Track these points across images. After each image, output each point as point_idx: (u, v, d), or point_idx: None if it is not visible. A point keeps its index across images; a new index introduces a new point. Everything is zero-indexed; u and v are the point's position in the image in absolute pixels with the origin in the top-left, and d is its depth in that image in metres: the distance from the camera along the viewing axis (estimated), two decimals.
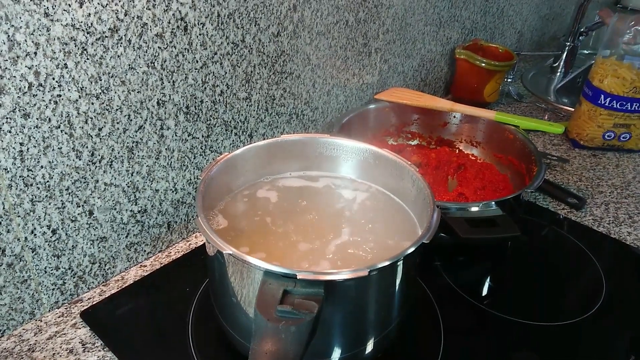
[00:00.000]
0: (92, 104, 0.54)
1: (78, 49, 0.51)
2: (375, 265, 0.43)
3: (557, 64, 1.38)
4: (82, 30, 0.51)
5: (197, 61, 0.62)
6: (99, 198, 0.59)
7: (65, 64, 0.50)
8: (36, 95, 0.49)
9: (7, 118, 0.48)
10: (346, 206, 0.59)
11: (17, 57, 0.47)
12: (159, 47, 0.58)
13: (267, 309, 0.39)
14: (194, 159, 0.68)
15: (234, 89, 0.69)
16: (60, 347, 0.56)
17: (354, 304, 0.46)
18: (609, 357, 0.59)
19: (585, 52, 1.50)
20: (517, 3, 1.34)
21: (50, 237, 0.56)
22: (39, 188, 0.53)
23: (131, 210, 0.64)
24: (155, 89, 0.60)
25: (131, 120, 0.59)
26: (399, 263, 0.45)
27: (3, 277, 0.54)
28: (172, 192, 0.68)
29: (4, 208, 0.51)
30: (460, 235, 0.61)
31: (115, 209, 0.62)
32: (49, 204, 0.55)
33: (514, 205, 0.69)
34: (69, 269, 0.60)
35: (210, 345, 0.57)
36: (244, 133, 0.74)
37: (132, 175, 0.62)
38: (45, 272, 0.58)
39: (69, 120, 0.53)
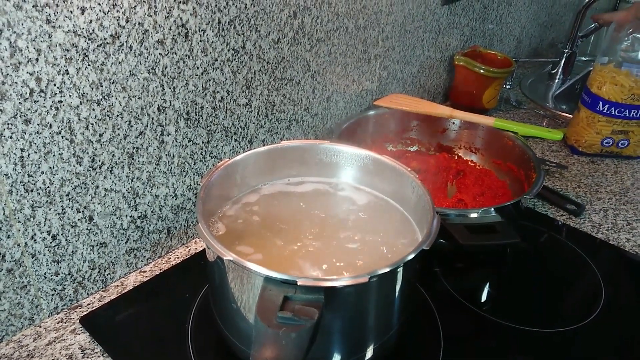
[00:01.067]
0: (93, 110, 0.54)
1: (79, 55, 0.51)
2: (376, 272, 0.43)
3: (555, 70, 1.39)
4: (84, 36, 0.51)
5: (197, 67, 0.63)
6: (99, 204, 0.59)
7: (67, 70, 0.51)
8: (37, 101, 0.50)
9: (8, 124, 0.48)
10: (346, 212, 0.59)
11: (19, 63, 0.47)
12: (160, 53, 0.58)
13: (267, 315, 0.39)
14: (194, 164, 0.69)
15: (234, 95, 0.69)
16: (60, 353, 0.56)
17: (354, 310, 0.46)
18: None
19: (584, 58, 1.50)
20: (516, 10, 1.35)
21: (50, 242, 0.56)
22: (39, 194, 0.53)
23: (131, 216, 0.64)
24: (156, 95, 0.60)
25: (132, 126, 0.59)
26: (399, 269, 0.45)
27: (3, 282, 0.54)
28: (172, 197, 0.68)
29: (4, 214, 0.51)
30: (460, 241, 0.61)
31: (115, 214, 0.62)
32: (49, 209, 0.55)
33: (513, 212, 0.69)
34: (69, 274, 0.60)
35: (210, 351, 0.56)
36: (244, 139, 0.74)
37: (132, 181, 0.62)
38: (45, 277, 0.57)
39: (69, 126, 0.53)
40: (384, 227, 0.57)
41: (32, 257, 0.55)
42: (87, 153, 0.56)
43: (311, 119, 0.85)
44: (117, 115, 0.57)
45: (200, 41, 0.62)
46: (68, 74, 0.51)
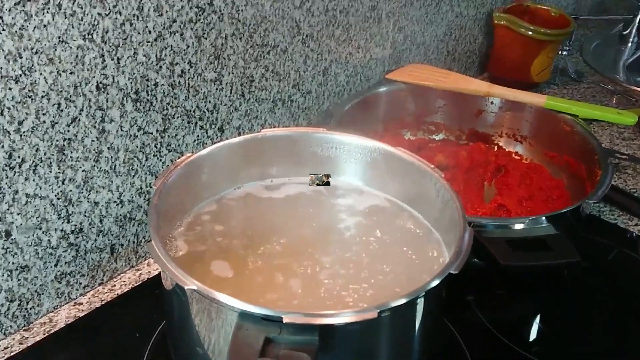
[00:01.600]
0: (10, 89, 0.54)
1: None
2: (388, 304, 0.43)
3: (628, 31, 1.39)
4: None
5: (149, 32, 0.63)
6: (18, 214, 0.59)
7: None
8: None
9: None
10: (348, 223, 0.60)
11: None
12: (98, 13, 0.58)
13: None
14: (146, 161, 0.69)
15: (198, 67, 0.69)
16: None
17: (359, 354, 0.47)
18: None
19: None
20: None
21: None
22: None
23: (62, 230, 0.64)
24: (94, 69, 0.60)
25: (62, 110, 0.59)
26: (418, 300, 0.46)
27: None
28: (117, 205, 0.68)
29: None
30: (500, 261, 0.62)
31: (40, 228, 0.62)
32: None
33: (572, 221, 0.70)
34: None
35: None
36: (213, 126, 0.74)
37: (63, 183, 0.62)
38: None
39: None
40: (398, 243, 0.58)
41: None
42: (2, 147, 0.56)
43: (302, 99, 0.85)
44: (42, 96, 0.57)
45: None
46: None
